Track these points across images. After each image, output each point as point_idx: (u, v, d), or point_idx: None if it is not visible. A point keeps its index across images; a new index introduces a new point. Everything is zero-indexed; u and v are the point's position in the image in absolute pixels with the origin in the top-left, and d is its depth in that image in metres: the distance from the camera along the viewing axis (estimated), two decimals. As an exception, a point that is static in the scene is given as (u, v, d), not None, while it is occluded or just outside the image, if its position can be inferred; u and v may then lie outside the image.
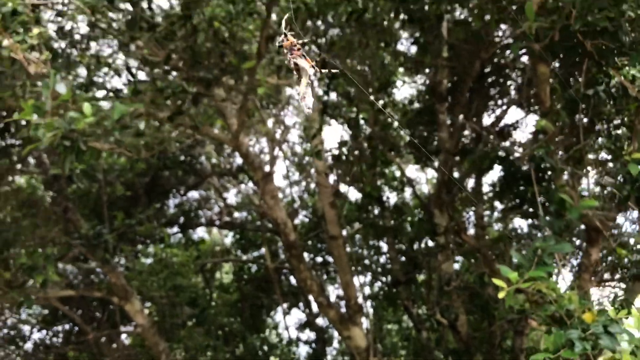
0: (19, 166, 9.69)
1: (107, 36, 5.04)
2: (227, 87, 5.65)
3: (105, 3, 4.28)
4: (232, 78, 5.50)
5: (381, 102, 10.09)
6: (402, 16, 6.54)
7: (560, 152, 6.43)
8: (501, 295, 3.93)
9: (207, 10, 5.07)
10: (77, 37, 5.65)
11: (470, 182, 10.56)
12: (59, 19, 5.40)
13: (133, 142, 4.69)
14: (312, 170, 11.42)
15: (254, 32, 6.49)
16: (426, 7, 6.36)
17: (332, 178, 8.78)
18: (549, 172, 5.95)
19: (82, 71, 5.94)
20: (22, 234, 8.80)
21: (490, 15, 5.97)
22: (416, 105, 10.59)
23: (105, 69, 5.14)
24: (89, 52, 5.17)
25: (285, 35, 2.21)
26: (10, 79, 5.24)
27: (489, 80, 9.75)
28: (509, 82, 9.93)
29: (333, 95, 9.64)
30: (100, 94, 5.09)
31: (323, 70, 2.26)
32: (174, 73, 5.26)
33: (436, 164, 10.30)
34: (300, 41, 2.20)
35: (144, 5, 4.63)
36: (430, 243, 10.88)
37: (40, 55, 4.79)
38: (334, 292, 14.01)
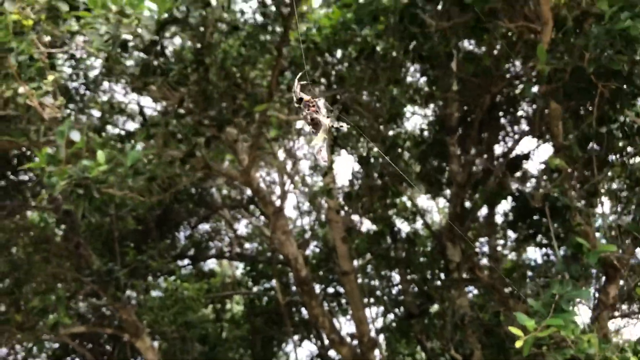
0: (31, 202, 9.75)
1: (121, 80, 5.11)
2: (239, 128, 5.68)
3: (119, 50, 4.32)
4: (244, 120, 5.53)
5: (391, 132, 10.11)
6: (412, 54, 6.55)
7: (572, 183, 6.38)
8: (518, 344, 3.84)
9: (219, 53, 5.11)
10: (91, 77, 5.72)
11: (483, 211, 10.49)
12: (74, 62, 5.47)
13: (145, 185, 4.70)
14: (323, 201, 11.41)
15: (266, 70, 6.54)
16: (436, 45, 6.37)
17: (343, 212, 8.72)
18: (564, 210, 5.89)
19: (96, 112, 6.00)
20: (34, 270, 8.81)
21: (500, 52, 5.96)
22: (426, 134, 10.59)
23: (119, 112, 5.16)
24: (102, 94, 5.23)
25: (301, 91, 2.24)
26: (25, 123, 5.29)
27: (500, 112, 9.75)
28: (519, 113, 9.93)
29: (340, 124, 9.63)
30: (113, 135, 5.10)
31: (338, 125, 2.26)
32: (186, 115, 5.28)
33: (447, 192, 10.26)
34: (316, 99, 2.23)
35: (157, 48, 4.66)
36: (443, 275, 10.77)
37: (55, 100, 4.85)
38: (346, 324, 13.88)
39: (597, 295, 7.02)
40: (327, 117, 2.27)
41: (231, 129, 5.83)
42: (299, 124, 10.92)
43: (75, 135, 4.10)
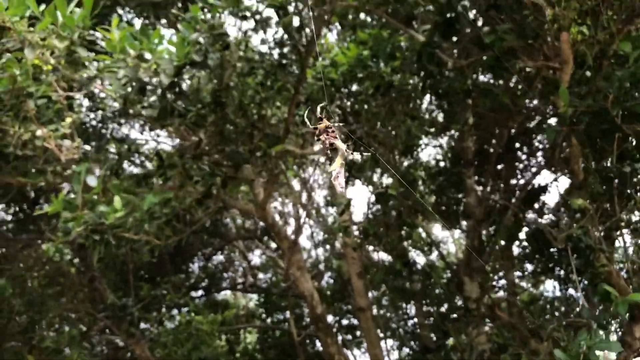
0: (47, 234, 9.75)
1: (138, 120, 5.11)
2: (255, 167, 5.64)
3: (136, 94, 4.32)
4: (261, 160, 5.49)
5: (405, 163, 10.03)
6: (428, 90, 6.51)
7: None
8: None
9: (237, 94, 5.10)
10: (108, 117, 5.72)
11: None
12: (91, 102, 5.49)
13: (161, 227, 4.66)
14: (339, 236, 11.33)
15: (283, 107, 6.52)
16: (453, 82, 6.33)
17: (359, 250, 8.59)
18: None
19: (113, 148, 5.99)
20: (48, 305, 8.77)
21: (518, 87, 5.89)
22: (441, 164, 10.52)
23: (135, 152, 5.15)
24: (119, 133, 5.23)
25: (320, 118, 2.26)
26: (42, 163, 5.28)
27: (516, 144, 9.66)
28: (536, 144, 9.84)
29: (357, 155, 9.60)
30: (130, 176, 5.07)
31: (355, 154, 2.27)
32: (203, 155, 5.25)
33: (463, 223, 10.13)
34: (335, 123, 2.25)
35: (175, 91, 4.65)
36: (461, 310, 10.56)
37: (73, 142, 4.84)
38: (360, 357, 13.65)
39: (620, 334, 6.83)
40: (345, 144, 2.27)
41: (248, 170, 5.79)
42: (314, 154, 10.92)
43: (92, 181, 4.07)
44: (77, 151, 4.83)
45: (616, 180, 5.88)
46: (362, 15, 7.98)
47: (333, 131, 2.23)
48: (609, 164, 6.03)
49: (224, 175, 5.01)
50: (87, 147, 5.72)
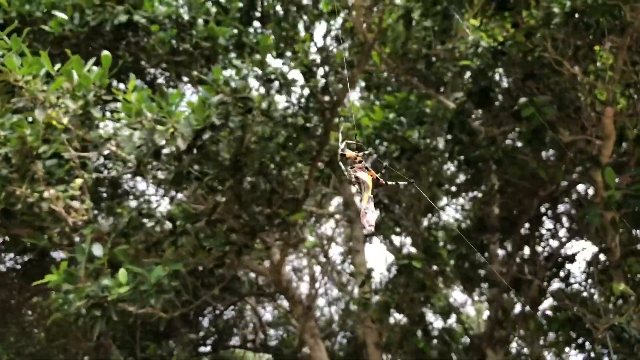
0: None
1: (152, 183, 4.87)
2: (273, 237, 5.34)
3: (151, 156, 4.07)
4: (277, 228, 5.19)
5: (425, 223, 9.68)
6: (456, 157, 6.22)
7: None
8: None
9: (257, 158, 4.84)
10: (121, 179, 5.49)
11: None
12: (104, 161, 5.27)
13: (169, 300, 4.33)
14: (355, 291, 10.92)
15: (303, 169, 6.26)
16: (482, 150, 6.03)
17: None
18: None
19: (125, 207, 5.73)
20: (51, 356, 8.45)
21: (554, 162, 5.57)
22: (463, 226, 10.17)
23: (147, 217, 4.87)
24: (131, 195, 4.99)
25: (346, 147, 2.09)
26: (49, 222, 5.02)
27: (542, 209, 9.30)
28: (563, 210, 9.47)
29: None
30: (139, 241, 4.78)
31: (390, 183, 2.12)
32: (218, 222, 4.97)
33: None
34: (362, 153, 2.07)
35: (193, 154, 4.40)
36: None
37: (82, 203, 4.58)
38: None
39: None
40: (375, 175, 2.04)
41: (266, 238, 5.50)
42: (331, 208, 10.63)
43: (97, 250, 3.78)
44: (86, 213, 4.57)
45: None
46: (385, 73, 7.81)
47: (360, 161, 2.04)
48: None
49: (238, 245, 4.69)
50: (98, 207, 5.48)
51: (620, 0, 4.33)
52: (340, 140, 2.10)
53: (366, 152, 2.09)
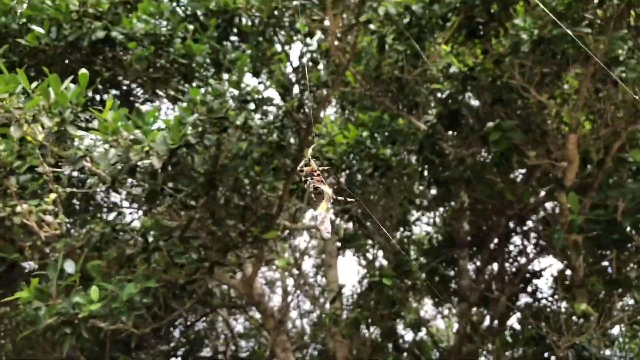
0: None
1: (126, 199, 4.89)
2: (245, 251, 5.39)
3: (126, 174, 4.10)
4: (251, 245, 5.25)
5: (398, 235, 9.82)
6: (427, 177, 6.37)
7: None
8: None
9: (231, 175, 4.91)
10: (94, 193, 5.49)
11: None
12: (78, 175, 5.27)
13: (141, 317, 4.35)
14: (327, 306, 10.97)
15: (278, 184, 6.33)
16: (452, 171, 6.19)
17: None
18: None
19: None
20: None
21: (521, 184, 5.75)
22: (435, 241, 10.34)
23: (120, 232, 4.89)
24: (105, 209, 4.99)
25: (309, 161, 2.24)
26: (21, 236, 5.00)
27: (513, 227, 9.52)
28: (533, 229, 9.70)
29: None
30: (111, 256, 4.78)
31: (340, 198, 2.23)
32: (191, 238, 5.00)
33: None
34: (321, 167, 2.21)
35: (167, 171, 4.45)
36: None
37: (55, 218, 4.58)
38: None
39: None
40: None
41: (239, 254, 5.55)
42: (305, 221, 10.70)
43: (70, 267, 3.79)
44: (59, 227, 4.57)
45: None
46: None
47: (318, 175, 2.19)
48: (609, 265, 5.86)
49: (211, 261, 4.74)
50: (71, 220, 5.46)
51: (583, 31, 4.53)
52: (309, 154, 2.24)
53: (324, 167, 2.23)
